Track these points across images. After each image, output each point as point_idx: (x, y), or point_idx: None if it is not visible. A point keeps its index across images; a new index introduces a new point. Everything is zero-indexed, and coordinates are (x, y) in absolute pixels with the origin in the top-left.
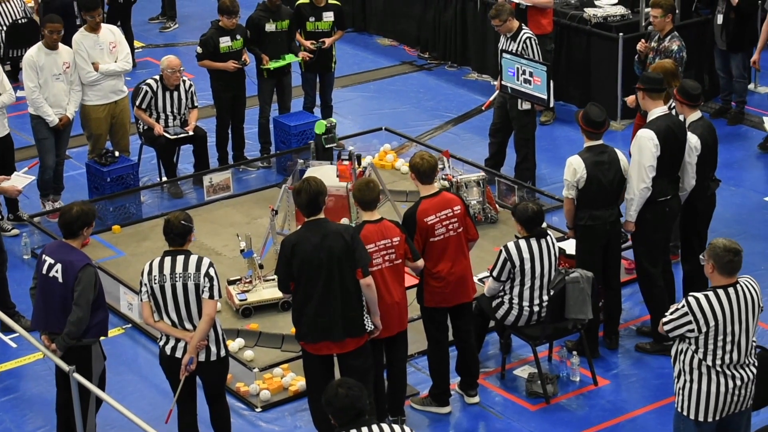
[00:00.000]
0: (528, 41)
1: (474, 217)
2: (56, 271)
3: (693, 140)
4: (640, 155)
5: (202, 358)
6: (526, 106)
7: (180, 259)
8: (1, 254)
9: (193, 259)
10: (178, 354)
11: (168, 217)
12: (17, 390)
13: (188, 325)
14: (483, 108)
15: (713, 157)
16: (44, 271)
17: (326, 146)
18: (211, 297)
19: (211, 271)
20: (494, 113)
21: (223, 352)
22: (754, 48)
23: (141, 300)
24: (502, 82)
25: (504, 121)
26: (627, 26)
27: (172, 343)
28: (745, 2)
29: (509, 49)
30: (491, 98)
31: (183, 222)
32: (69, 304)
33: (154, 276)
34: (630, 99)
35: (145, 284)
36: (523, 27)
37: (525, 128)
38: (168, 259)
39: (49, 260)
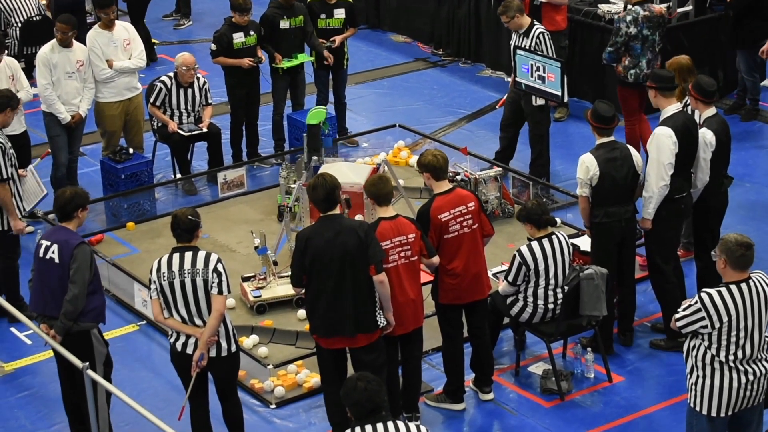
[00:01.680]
0: (541, 36)
1: (492, 212)
2: (52, 252)
3: (708, 136)
4: (658, 153)
5: (213, 353)
6: (540, 101)
7: (188, 255)
8: (16, 248)
9: (201, 254)
10: (189, 350)
11: (175, 213)
12: (32, 387)
13: (198, 321)
14: (497, 106)
15: (726, 153)
16: (41, 254)
17: (326, 132)
18: (220, 292)
19: (219, 267)
20: (505, 108)
21: (234, 348)
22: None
23: (150, 297)
24: (516, 79)
25: (515, 116)
26: None
27: (182, 339)
28: (736, 0)
29: (522, 46)
30: (505, 96)
31: (190, 217)
32: (66, 285)
33: (163, 273)
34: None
35: (154, 281)
36: (536, 23)
37: (539, 124)
38: (176, 256)
39: (45, 243)
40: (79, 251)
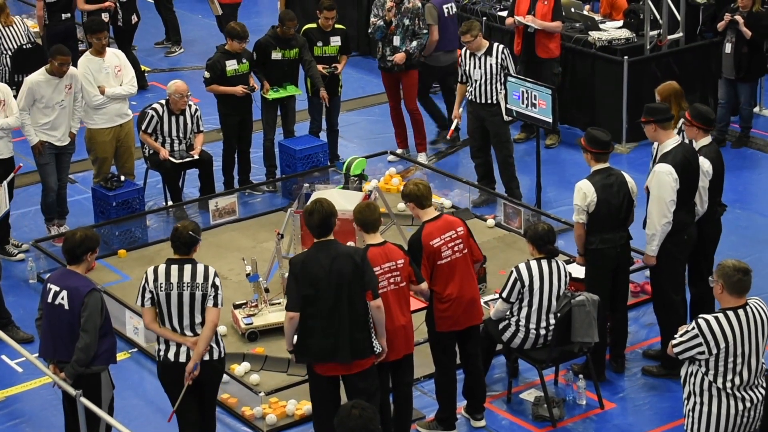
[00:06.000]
0: (506, 51)
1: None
2: (62, 299)
3: (705, 165)
4: (660, 190)
5: (205, 357)
6: (508, 118)
7: (187, 268)
8: None
9: (201, 268)
10: (182, 358)
11: (177, 225)
12: (23, 415)
13: (189, 333)
14: (447, 137)
15: (720, 182)
16: (50, 300)
17: (358, 185)
18: (215, 305)
19: (217, 281)
20: (470, 136)
21: (223, 353)
22: (764, 76)
23: (143, 305)
24: (507, 105)
25: (483, 140)
26: (632, 49)
27: (174, 349)
28: (757, 34)
29: (487, 65)
30: (452, 127)
31: (191, 233)
32: (76, 331)
33: (161, 283)
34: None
35: (151, 291)
36: (495, 42)
37: (507, 144)
38: (174, 267)
39: (54, 288)
40: (90, 299)
